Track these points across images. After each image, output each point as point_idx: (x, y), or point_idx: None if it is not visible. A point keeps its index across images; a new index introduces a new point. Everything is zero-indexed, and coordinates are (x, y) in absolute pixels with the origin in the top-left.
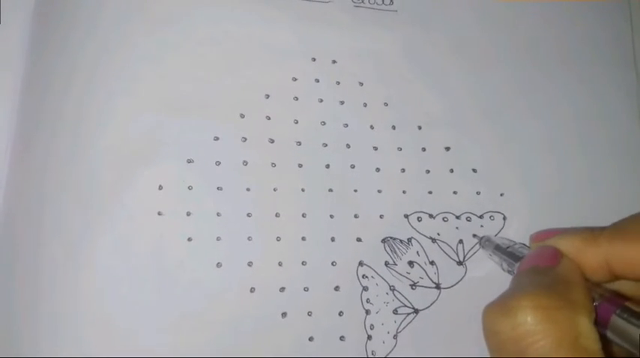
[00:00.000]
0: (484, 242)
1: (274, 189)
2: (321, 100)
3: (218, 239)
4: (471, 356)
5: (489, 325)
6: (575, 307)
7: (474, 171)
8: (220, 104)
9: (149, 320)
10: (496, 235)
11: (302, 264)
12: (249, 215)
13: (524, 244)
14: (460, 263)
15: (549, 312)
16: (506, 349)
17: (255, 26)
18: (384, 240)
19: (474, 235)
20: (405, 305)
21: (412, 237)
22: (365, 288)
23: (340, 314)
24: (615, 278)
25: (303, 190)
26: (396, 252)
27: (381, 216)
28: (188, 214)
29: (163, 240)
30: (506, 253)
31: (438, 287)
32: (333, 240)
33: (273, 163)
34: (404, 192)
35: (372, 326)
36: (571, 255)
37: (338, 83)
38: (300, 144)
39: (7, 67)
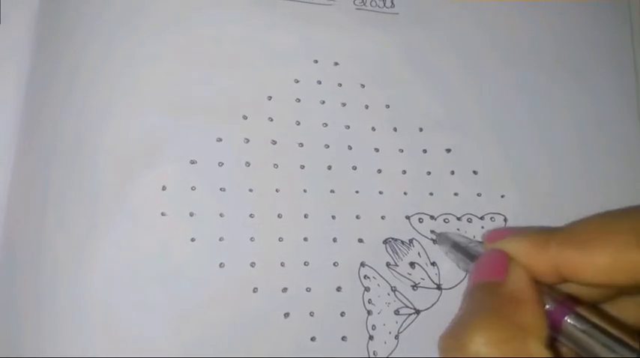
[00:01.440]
0: (441, 238)
1: (276, 190)
2: (323, 102)
3: (221, 239)
4: None
5: (444, 354)
6: (526, 333)
7: (475, 172)
8: (223, 105)
9: (152, 320)
10: None
11: (304, 264)
12: (251, 216)
13: (479, 242)
14: None
15: (501, 346)
16: None
17: (257, 28)
18: (385, 241)
19: (432, 231)
20: (407, 306)
21: (413, 238)
22: (367, 289)
23: (342, 314)
24: (565, 281)
25: (305, 191)
26: (397, 253)
27: (383, 217)
28: (191, 215)
29: (167, 240)
30: (463, 252)
31: (439, 288)
32: (335, 240)
33: (275, 164)
34: (405, 193)
35: (373, 327)
36: (520, 258)
37: (340, 85)
38: (302, 146)
39: (10, 67)
